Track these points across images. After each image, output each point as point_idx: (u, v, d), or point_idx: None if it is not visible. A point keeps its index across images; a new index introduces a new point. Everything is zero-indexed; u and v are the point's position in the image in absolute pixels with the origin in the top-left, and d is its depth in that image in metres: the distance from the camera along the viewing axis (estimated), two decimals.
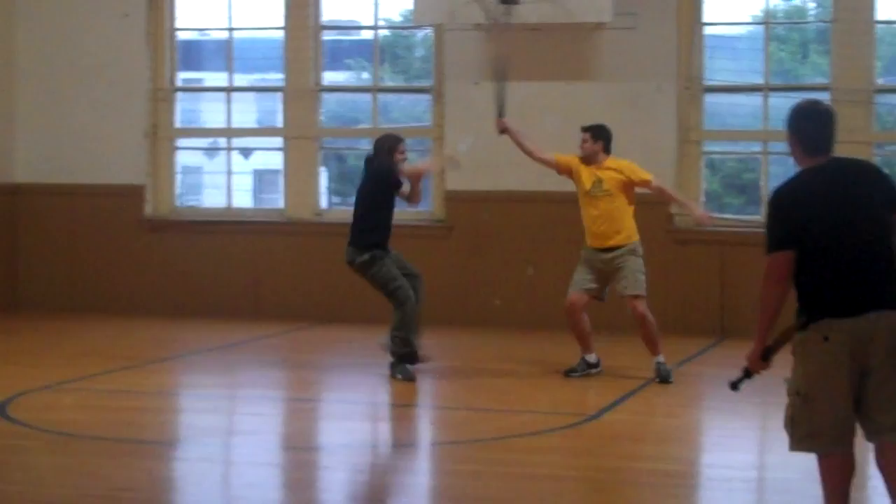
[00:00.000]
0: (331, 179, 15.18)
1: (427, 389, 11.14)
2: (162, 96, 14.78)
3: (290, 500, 7.46)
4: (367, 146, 14.77)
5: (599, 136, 10.83)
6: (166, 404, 10.46)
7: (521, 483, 7.59)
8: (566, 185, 13.57)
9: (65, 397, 10.06)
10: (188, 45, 15.46)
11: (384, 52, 15.11)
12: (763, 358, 5.83)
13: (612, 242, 10.72)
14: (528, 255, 13.88)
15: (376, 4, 14.40)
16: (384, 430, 9.41)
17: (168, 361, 11.97)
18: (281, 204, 14.84)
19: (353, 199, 11.28)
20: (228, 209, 14.93)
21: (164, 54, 14.74)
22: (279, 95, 14.76)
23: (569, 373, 10.85)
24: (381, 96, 14.67)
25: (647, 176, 10.85)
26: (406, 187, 10.89)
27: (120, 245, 14.68)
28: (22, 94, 14.90)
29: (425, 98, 14.52)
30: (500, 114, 11.41)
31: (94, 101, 14.73)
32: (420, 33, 15.20)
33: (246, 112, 15.08)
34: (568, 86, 13.66)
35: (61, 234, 14.85)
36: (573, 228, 13.38)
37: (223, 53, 15.07)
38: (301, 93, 14.46)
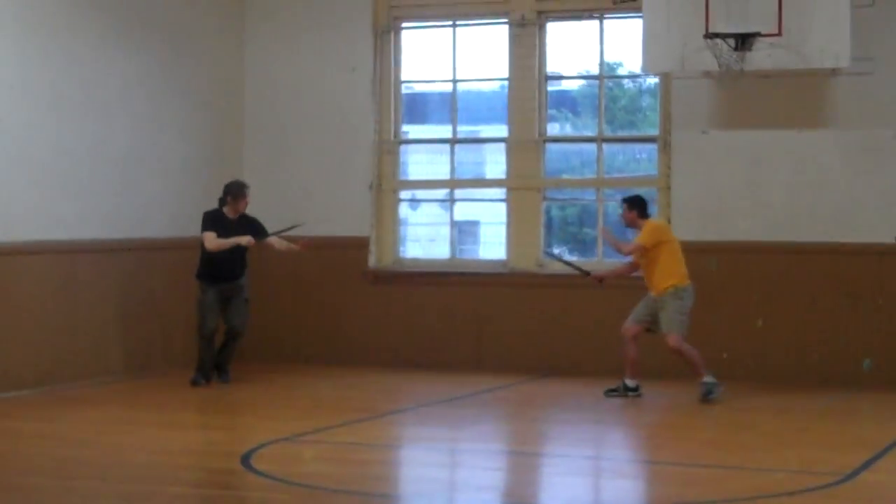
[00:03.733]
0: (550, 230, 15.04)
1: (666, 444, 10.91)
2: (387, 148, 14.88)
3: None
4: (591, 197, 14.70)
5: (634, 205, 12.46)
6: (405, 457, 10.42)
7: None
8: (796, 235, 13.35)
9: (306, 449, 10.08)
10: (412, 97, 15.55)
11: (584, 101, 15.16)
12: None
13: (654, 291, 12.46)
14: (756, 307, 13.54)
15: (602, 54, 14.32)
16: (632, 487, 9.16)
17: (399, 413, 11.94)
18: (491, 254, 14.84)
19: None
20: (452, 260, 14.93)
21: (389, 107, 14.85)
22: (487, 146, 14.90)
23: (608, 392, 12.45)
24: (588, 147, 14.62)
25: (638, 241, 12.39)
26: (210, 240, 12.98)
27: (345, 296, 14.78)
28: (249, 147, 15.14)
29: (639, 148, 14.47)
30: (587, 273, 12.90)
31: (320, 153, 14.90)
32: (629, 83, 15.15)
33: (445, 164, 15.09)
34: (800, 133, 13.34)
35: (286, 286, 14.99)
36: (803, 279, 13.13)
37: (447, 105, 15.11)
38: (525, 143, 14.41)
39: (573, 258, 14.65)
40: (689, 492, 8.83)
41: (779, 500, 8.32)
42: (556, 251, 14.56)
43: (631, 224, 12.45)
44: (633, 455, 10.38)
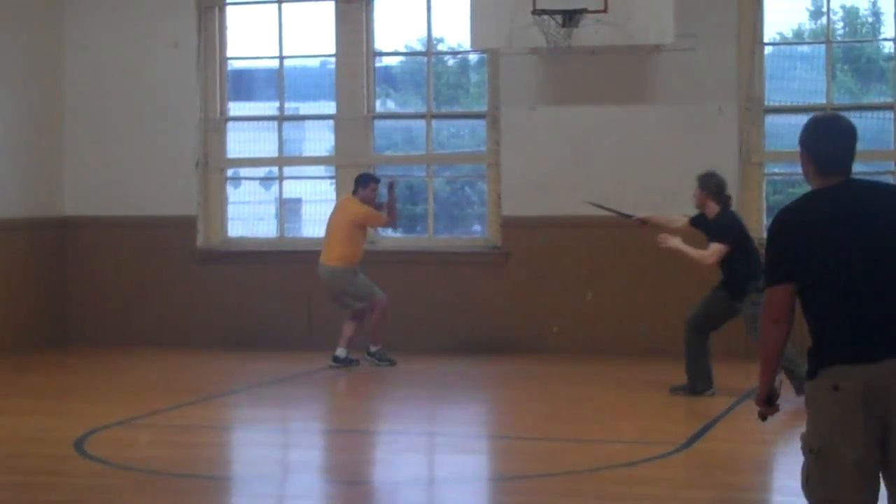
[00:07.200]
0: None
1: (504, 419, 10.95)
2: (213, 126, 14.63)
3: None
4: (420, 173, 14.68)
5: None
6: (240, 439, 10.30)
7: None
8: (623, 210, 13.46)
9: (140, 434, 9.88)
10: (238, 73, 15.31)
11: (405, 77, 15.15)
12: (768, 402, 5.10)
13: None
14: (586, 281, 13.67)
15: (429, 30, 14.29)
16: (473, 462, 9.17)
17: (232, 395, 11.78)
18: (314, 233, 14.73)
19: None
20: (280, 238, 14.77)
21: (214, 84, 14.60)
22: (311, 123, 14.81)
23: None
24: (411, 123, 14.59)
25: None
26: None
27: (172, 277, 14.50)
28: (70, 126, 14.73)
29: (461, 124, 14.52)
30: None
31: (144, 132, 14.56)
32: (450, 59, 15.24)
33: (269, 141, 14.91)
34: (626, 109, 13.49)
35: (111, 268, 14.67)
36: (631, 253, 13.27)
37: (273, 82, 14.93)
38: (353, 120, 14.30)
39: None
40: (530, 466, 8.88)
41: (618, 470, 8.42)
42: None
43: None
44: (471, 430, 10.39)
